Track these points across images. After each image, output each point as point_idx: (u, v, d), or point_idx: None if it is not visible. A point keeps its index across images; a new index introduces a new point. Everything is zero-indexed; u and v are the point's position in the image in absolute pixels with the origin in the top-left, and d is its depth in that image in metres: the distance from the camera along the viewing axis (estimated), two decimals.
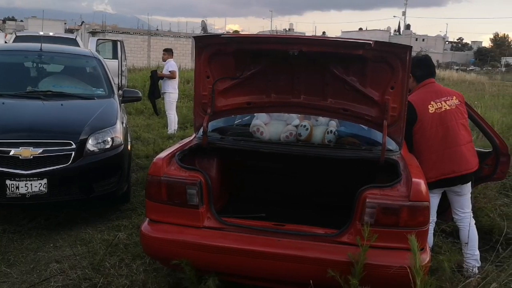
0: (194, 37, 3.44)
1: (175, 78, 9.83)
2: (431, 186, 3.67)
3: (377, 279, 2.65)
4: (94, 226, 4.59)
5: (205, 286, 2.88)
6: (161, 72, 10.12)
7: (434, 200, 3.82)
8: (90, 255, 3.91)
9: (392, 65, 3.10)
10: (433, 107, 3.67)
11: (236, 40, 3.28)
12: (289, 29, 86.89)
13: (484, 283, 2.89)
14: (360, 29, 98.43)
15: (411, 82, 3.85)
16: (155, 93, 10.06)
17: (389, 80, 3.16)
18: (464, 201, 3.83)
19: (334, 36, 11.43)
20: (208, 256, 2.93)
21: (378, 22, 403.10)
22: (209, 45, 3.35)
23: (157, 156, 3.22)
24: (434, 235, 4.18)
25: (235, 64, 3.40)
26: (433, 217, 3.88)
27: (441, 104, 3.69)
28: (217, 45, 3.32)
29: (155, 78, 9.90)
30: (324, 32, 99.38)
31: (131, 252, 3.96)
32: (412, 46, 3.17)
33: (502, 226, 4.23)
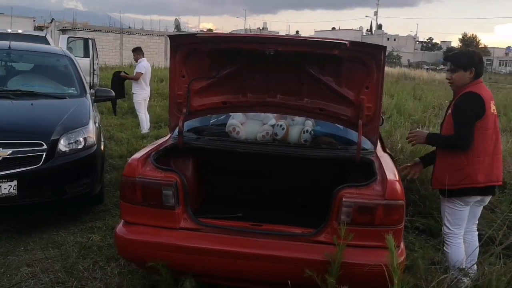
0: (168, 36, 3.40)
1: (137, 80, 9.71)
2: (474, 192, 3.35)
3: (354, 277, 2.67)
4: (67, 228, 4.49)
5: None
6: (125, 73, 9.97)
7: (466, 212, 3.45)
8: (62, 258, 3.81)
9: (367, 65, 3.13)
10: (493, 107, 3.36)
11: (211, 40, 3.26)
12: (262, 28, 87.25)
13: (456, 281, 2.96)
14: (333, 28, 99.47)
15: (467, 75, 3.36)
16: (116, 93, 9.98)
17: (364, 80, 3.19)
18: (479, 211, 3.63)
19: (308, 36, 11.48)
20: (185, 257, 2.90)
21: (351, 22, 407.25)
22: (184, 45, 3.32)
23: (132, 157, 3.17)
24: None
25: (210, 64, 3.38)
26: (461, 229, 3.47)
27: (494, 107, 3.38)
28: (192, 45, 3.29)
29: (117, 78, 9.74)
30: (297, 31, 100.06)
31: (105, 254, 3.88)
32: (386, 46, 3.21)
33: None
